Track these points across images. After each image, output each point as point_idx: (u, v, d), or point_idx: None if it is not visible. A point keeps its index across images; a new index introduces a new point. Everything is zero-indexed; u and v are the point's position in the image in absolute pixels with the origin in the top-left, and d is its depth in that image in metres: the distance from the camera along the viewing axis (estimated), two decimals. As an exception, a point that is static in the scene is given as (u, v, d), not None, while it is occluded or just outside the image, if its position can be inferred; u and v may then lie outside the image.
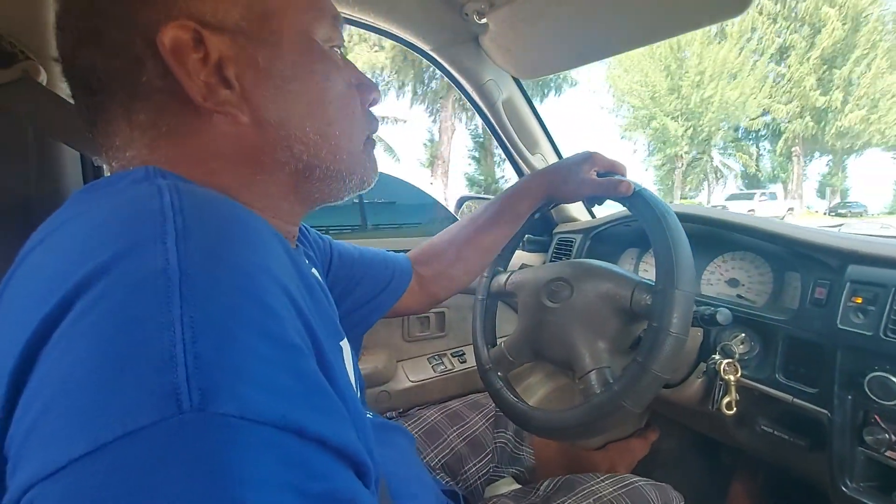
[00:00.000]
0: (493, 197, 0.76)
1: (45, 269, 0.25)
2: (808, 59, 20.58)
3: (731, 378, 0.69)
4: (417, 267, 0.72)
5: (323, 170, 0.39)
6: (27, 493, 0.19)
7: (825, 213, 22.42)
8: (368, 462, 0.26)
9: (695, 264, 0.56)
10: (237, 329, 0.22)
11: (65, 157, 0.62)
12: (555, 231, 1.23)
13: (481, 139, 20.52)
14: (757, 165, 25.22)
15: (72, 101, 0.36)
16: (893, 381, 0.58)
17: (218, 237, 0.25)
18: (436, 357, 1.20)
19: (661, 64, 21.84)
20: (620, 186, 0.63)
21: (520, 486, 0.81)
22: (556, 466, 0.92)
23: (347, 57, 0.44)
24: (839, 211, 22.06)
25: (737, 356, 0.72)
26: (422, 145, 20.06)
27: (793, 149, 23.34)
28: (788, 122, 22.34)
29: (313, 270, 0.50)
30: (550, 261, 1.19)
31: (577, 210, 1.25)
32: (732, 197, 21.33)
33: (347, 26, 0.87)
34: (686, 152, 23.60)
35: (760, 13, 21.95)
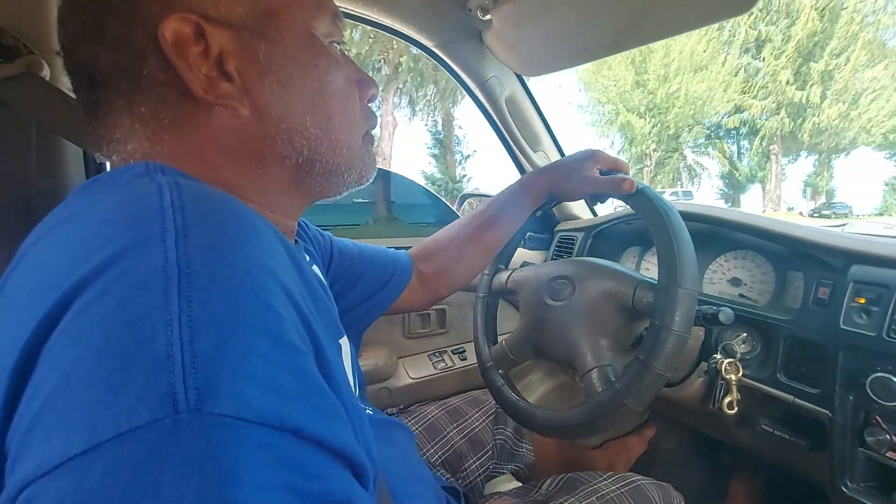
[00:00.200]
0: (494, 194, 0.76)
1: (46, 266, 0.25)
2: (784, 52, 19.44)
3: (733, 378, 0.69)
4: (418, 264, 0.72)
5: (323, 164, 0.40)
6: (25, 490, 0.19)
7: (808, 215, 21.60)
8: (366, 462, 0.26)
9: (697, 263, 0.56)
10: (236, 328, 0.22)
11: (67, 152, 0.62)
12: (556, 229, 1.23)
13: (441, 136, 20.05)
14: (733, 164, 23.89)
15: (74, 97, 0.36)
16: (895, 382, 0.58)
17: (218, 235, 0.25)
18: (436, 354, 1.20)
19: (626, 56, 20.27)
20: (623, 184, 0.62)
21: (519, 482, 0.81)
22: (555, 463, 0.92)
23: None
24: (822, 212, 21.19)
25: (738, 356, 0.72)
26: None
27: (771, 147, 22.27)
28: (765, 118, 21.25)
29: (314, 267, 0.51)
30: (552, 259, 1.19)
31: (578, 208, 1.25)
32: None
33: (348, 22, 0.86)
34: (654, 150, 22.40)
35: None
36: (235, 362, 0.21)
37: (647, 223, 0.59)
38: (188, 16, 0.32)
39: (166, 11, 0.31)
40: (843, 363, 0.64)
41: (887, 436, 0.59)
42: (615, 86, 21.50)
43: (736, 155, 23.89)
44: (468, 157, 21.06)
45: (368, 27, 0.90)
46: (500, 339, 0.77)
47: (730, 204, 23.34)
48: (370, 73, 0.45)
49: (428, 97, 18.07)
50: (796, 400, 0.69)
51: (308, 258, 0.51)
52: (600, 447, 1.14)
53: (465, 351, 1.23)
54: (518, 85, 1.08)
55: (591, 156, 0.68)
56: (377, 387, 1.08)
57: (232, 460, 0.19)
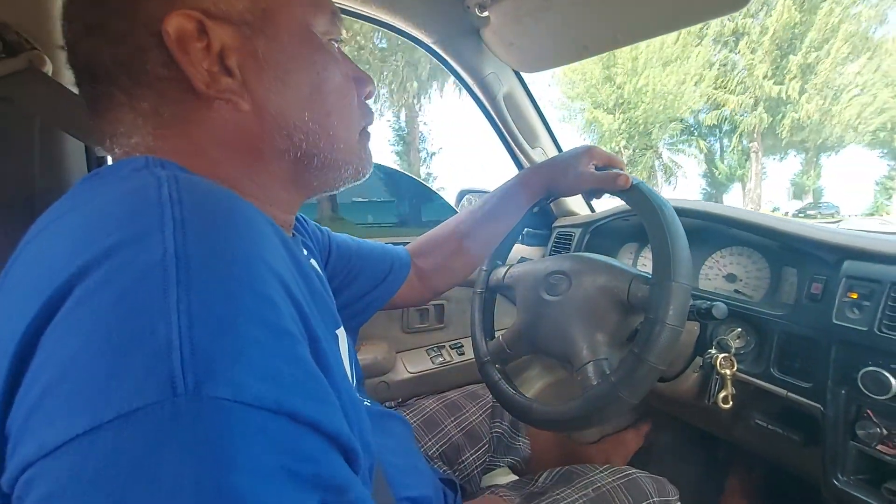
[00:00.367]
0: (492, 190, 0.77)
1: (47, 257, 0.26)
2: (761, 43, 18.32)
3: (727, 372, 0.70)
4: (416, 259, 0.73)
5: (321, 159, 0.40)
6: (26, 471, 0.19)
7: (794, 215, 20.53)
8: (358, 449, 0.27)
9: (693, 259, 0.56)
10: (233, 316, 0.23)
11: (69, 147, 0.63)
12: (554, 225, 1.23)
13: (404, 132, 19.67)
14: (712, 163, 22.84)
15: (77, 92, 0.37)
16: (886, 376, 0.58)
17: (215, 227, 0.26)
18: (434, 349, 1.21)
19: (595, 49, 19.39)
20: (618, 180, 0.63)
21: (516, 475, 0.82)
22: (551, 457, 0.93)
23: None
24: (808, 212, 20.65)
25: (733, 350, 0.73)
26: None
27: (750, 144, 21.20)
28: (744, 115, 20.02)
29: (312, 261, 0.51)
30: (549, 254, 1.20)
31: (576, 204, 1.25)
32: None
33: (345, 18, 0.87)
34: (625, 147, 21.02)
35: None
36: (233, 349, 0.22)
37: (642, 218, 0.60)
38: (190, 12, 0.32)
39: (168, 8, 0.32)
40: (835, 358, 0.64)
41: (878, 429, 0.60)
42: (583, 80, 20.53)
43: (718, 153, 23.05)
44: (433, 154, 20.67)
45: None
46: (497, 334, 0.78)
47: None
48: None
49: (393, 91, 17.75)
50: (789, 394, 0.69)
51: (306, 252, 0.52)
52: (597, 442, 1.15)
53: (463, 346, 1.23)
54: (516, 81, 1.08)
55: (587, 151, 0.68)
56: (376, 380, 1.09)
57: (230, 443, 0.20)
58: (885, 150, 20.30)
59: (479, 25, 0.94)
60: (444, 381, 1.16)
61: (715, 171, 22.77)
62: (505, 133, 1.15)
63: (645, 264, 1.05)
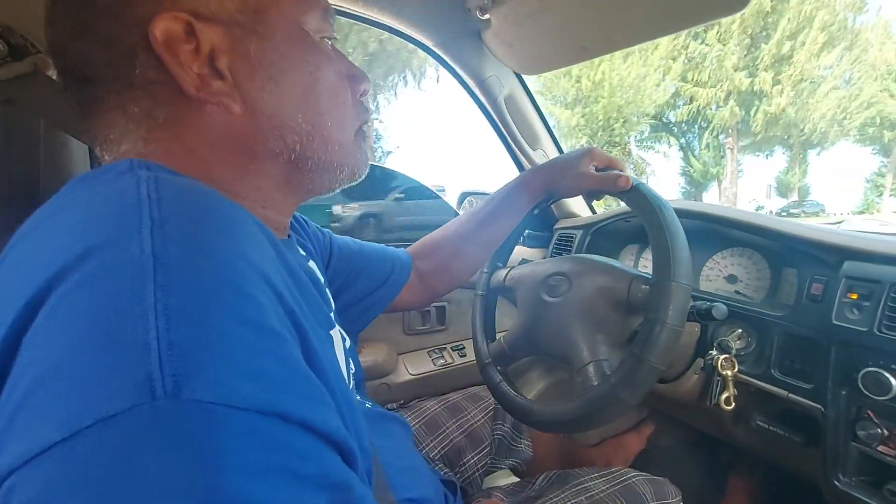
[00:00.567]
0: (493, 192, 0.77)
1: (29, 260, 0.25)
2: (731, 33, 17.42)
3: (729, 373, 0.70)
4: (417, 262, 0.73)
5: (315, 160, 0.40)
6: (7, 479, 0.19)
7: (776, 214, 19.74)
8: (355, 449, 0.26)
9: (694, 260, 0.56)
10: (213, 315, 0.22)
11: (73, 149, 0.63)
12: (555, 227, 1.23)
13: None
14: (687, 160, 21.80)
15: None
16: (886, 377, 0.58)
17: (194, 226, 0.26)
18: (436, 350, 1.21)
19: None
20: (619, 181, 0.63)
21: (517, 478, 0.82)
22: (553, 459, 0.93)
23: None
24: (791, 211, 20.37)
25: (734, 352, 0.73)
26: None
27: (725, 141, 20.20)
28: (716, 109, 18.92)
29: (310, 263, 0.51)
30: (551, 256, 1.20)
31: (577, 206, 1.25)
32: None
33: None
34: (587, 144, 20.22)
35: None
36: (214, 349, 0.21)
37: (642, 219, 0.60)
38: (178, 14, 0.32)
39: (156, 10, 0.31)
40: (835, 358, 0.64)
41: (879, 430, 0.60)
42: (540, 74, 19.49)
43: (695, 150, 21.80)
44: (389, 153, 20.24)
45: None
46: (498, 336, 0.78)
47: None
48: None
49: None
50: (790, 395, 0.69)
51: (304, 254, 0.52)
52: (599, 444, 1.15)
53: (464, 348, 1.23)
54: (517, 83, 1.08)
55: (587, 153, 0.69)
56: (377, 382, 1.09)
57: (215, 445, 0.19)
58: (877, 147, 19.81)
59: (479, 28, 0.94)
60: (446, 382, 1.16)
61: (690, 168, 22.08)
62: (506, 135, 1.16)
63: (646, 266, 1.05)
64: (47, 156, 0.60)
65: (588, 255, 0.72)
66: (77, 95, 0.35)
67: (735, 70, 17.62)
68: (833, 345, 0.65)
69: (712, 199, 21.77)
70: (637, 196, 0.62)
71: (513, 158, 1.23)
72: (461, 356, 1.22)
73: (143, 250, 0.22)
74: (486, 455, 0.81)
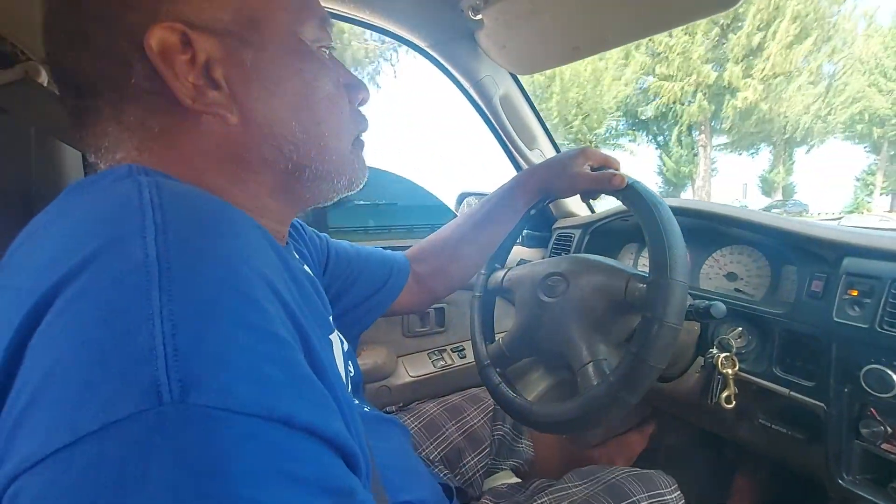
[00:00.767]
0: (490, 193, 0.77)
1: (31, 267, 0.25)
2: (699, 24, 15.39)
3: (729, 372, 0.69)
4: (415, 265, 0.73)
5: (312, 170, 0.39)
6: (12, 484, 0.19)
7: None
8: (358, 453, 0.26)
9: (693, 258, 0.56)
10: (218, 320, 0.22)
11: (66, 156, 0.63)
12: (554, 226, 1.23)
13: None
14: (662, 159, 20.78)
15: None
16: (889, 374, 0.58)
17: (197, 231, 0.26)
18: (435, 352, 1.20)
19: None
20: (614, 180, 0.63)
21: (519, 478, 0.82)
22: (554, 459, 0.92)
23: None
24: (773, 211, 18.37)
25: (734, 350, 0.72)
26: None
27: (698, 138, 19.01)
28: (687, 104, 17.68)
29: (305, 267, 0.51)
30: (549, 256, 1.19)
31: (576, 205, 1.25)
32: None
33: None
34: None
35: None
36: (218, 354, 0.21)
37: (638, 217, 0.60)
38: (174, 24, 0.31)
39: (151, 20, 0.31)
40: (836, 356, 0.64)
41: (882, 427, 0.60)
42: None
43: (666, 148, 20.54)
44: None
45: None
46: (497, 337, 0.78)
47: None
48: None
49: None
50: (792, 393, 0.69)
51: (300, 258, 0.51)
52: (601, 445, 1.14)
53: (464, 349, 1.23)
54: (512, 83, 1.08)
55: (582, 152, 0.68)
56: (377, 385, 1.09)
57: (219, 451, 0.19)
58: (868, 144, 19.26)
59: (473, 28, 0.94)
60: (446, 384, 1.16)
61: (662, 167, 21.12)
62: (502, 135, 1.15)
63: (645, 265, 1.05)
64: (39, 163, 0.60)
65: (585, 255, 0.72)
66: (72, 104, 0.34)
67: (703, 63, 16.74)
68: (834, 342, 0.64)
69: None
70: (632, 194, 0.62)
71: (510, 159, 1.22)
72: (461, 358, 1.21)
73: (147, 255, 0.23)
74: (486, 456, 0.80)
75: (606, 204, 1.14)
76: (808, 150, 20.16)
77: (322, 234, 0.65)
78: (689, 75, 16.93)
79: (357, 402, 0.55)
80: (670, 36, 16.60)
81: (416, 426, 0.81)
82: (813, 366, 0.67)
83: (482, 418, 0.84)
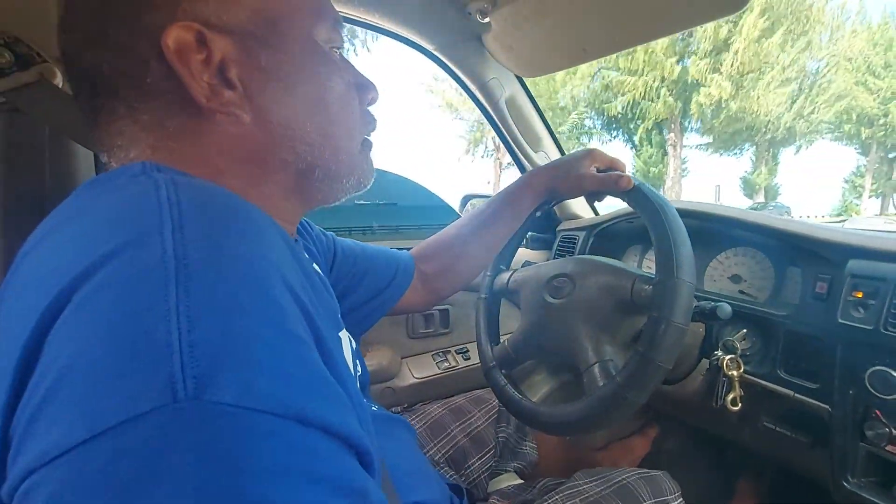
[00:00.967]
0: (495, 194, 0.77)
1: (47, 264, 0.25)
2: None
3: (734, 374, 0.69)
4: (420, 264, 0.73)
5: (323, 170, 0.40)
6: (27, 479, 0.19)
7: None
8: (372, 451, 0.26)
9: (698, 260, 0.56)
10: (234, 317, 0.22)
11: (79, 156, 0.64)
12: (558, 228, 1.23)
13: None
14: (635, 158, 20.23)
15: None
16: (894, 376, 0.58)
17: (215, 227, 0.26)
18: (440, 354, 1.21)
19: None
20: (620, 181, 0.63)
21: (522, 480, 0.82)
22: (558, 461, 0.92)
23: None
24: None
25: (739, 352, 0.72)
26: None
27: (667, 137, 18.37)
28: (652, 101, 17.09)
29: (314, 265, 0.52)
30: (554, 258, 1.20)
31: (580, 207, 1.25)
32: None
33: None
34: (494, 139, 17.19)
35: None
36: (234, 351, 0.21)
37: (644, 218, 0.60)
38: (190, 24, 0.32)
39: (169, 19, 0.32)
40: (841, 358, 0.64)
41: (887, 430, 0.59)
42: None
43: (644, 147, 19.90)
44: None
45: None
46: (502, 338, 0.78)
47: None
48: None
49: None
50: (796, 395, 0.69)
51: (308, 256, 0.52)
52: (604, 448, 1.14)
53: (468, 351, 1.23)
54: (518, 86, 1.09)
55: (589, 154, 0.69)
56: (381, 386, 1.09)
57: (235, 448, 0.19)
58: (858, 146, 18.69)
59: (480, 31, 0.95)
60: (450, 386, 1.16)
61: (633, 167, 20.32)
62: (508, 137, 1.16)
63: (650, 266, 1.05)
64: (53, 163, 0.61)
65: (590, 256, 0.72)
66: (87, 103, 0.35)
67: (667, 57, 16.24)
68: (839, 344, 0.64)
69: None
70: (639, 196, 0.62)
71: (515, 160, 1.23)
72: (465, 359, 1.22)
73: (164, 251, 0.23)
74: (490, 458, 0.81)
75: (609, 208, 1.15)
76: (797, 151, 19.67)
77: (328, 233, 0.65)
78: (654, 70, 16.46)
79: (366, 400, 0.55)
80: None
81: (420, 427, 0.81)
82: (817, 368, 0.68)
83: (486, 420, 0.84)
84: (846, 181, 22.32)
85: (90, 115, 0.35)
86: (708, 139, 19.33)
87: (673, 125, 18.28)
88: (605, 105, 18.62)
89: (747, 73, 15.56)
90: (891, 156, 19.47)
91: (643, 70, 16.73)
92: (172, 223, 0.24)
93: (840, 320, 0.64)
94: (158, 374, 0.19)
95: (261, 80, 0.35)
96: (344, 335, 0.46)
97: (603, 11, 0.80)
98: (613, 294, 0.63)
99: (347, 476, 0.23)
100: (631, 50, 15.47)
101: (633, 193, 0.63)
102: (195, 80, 0.32)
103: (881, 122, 16.94)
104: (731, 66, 15.35)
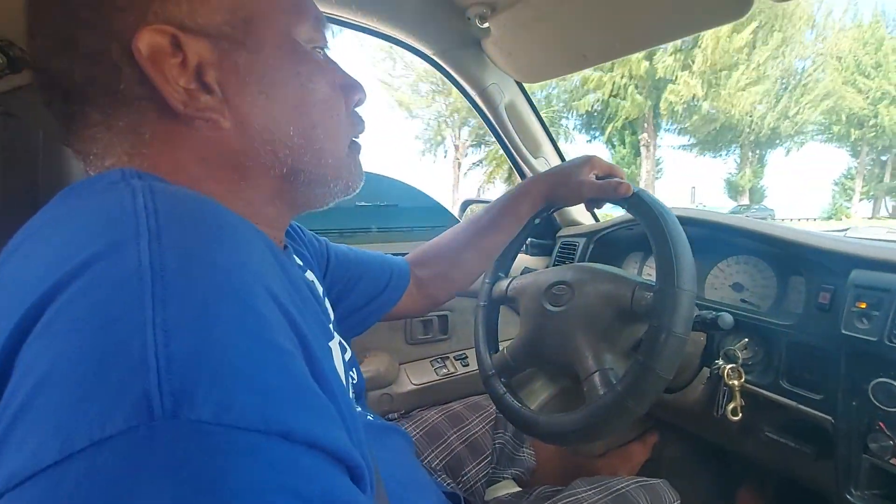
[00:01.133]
0: (494, 200, 0.77)
1: (23, 273, 0.25)
2: None
3: (735, 383, 0.69)
4: (416, 269, 0.73)
5: (307, 174, 0.39)
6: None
7: None
8: (363, 464, 0.25)
9: (699, 268, 0.55)
10: (213, 329, 0.21)
11: (72, 160, 0.63)
12: (558, 234, 1.23)
13: None
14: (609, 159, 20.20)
15: None
16: None
17: (193, 236, 0.25)
18: (438, 360, 1.20)
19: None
20: (620, 188, 0.63)
21: (520, 487, 0.81)
22: (556, 468, 0.91)
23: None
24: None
25: (740, 361, 0.72)
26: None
27: (640, 137, 17.75)
28: (621, 99, 16.52)
29: (307, 273, 0.51)
30: (553, 265, 1.19)
31: (580, 214, 1.25)
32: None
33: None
34: (462, 144, 17.09)
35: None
36: (213, 365, 0.20)
37: (644, 226, 0.59)
38: (164, 27, 0.30)
39: (140, 23, 0.30)
40: (844, 369, 0.63)
41: (890, 442, 0.59)
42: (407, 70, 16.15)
43: (617, 147, 19.20)
44: None
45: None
46: (501, 346, 0.77)
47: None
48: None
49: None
50: (799, 406, 0.68)
51: (301, 263, 0.51)
52: (603, 455, 1.13)
53: (467, 357, 1.23)
54: (517, 91, 1.08)
55: (588, 161, 0.68)
56: (379, 392, 1.09)
57: (215, 468, 0.18)
58: (849, 147, 18.34)
59: (479, 36, 0.94)
60: (448, 392, 1.15)
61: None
62: (507, 143, 1.16)
63: (650, 273, 1.04)
64: (46, 167, 0.60)
65: (590, 264, 0.72)
66: (60, 110, 0.33)
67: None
68: (842, 355, 0.63)
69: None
70: (638, 203, 0.61)
71: (514, 166, 1.22)
72: (464, 366, 1.21)
73: (140, 262, 0.22)
74: (487, 465, 0.80)
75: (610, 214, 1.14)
76: (787, 153, 19.31)
77: (321, 238, 0.65)
78: (622, 66, 15.85)
79: (360, 409, 0.55)
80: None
81: (417, 434, 0.80)
82: (820, 378, 0.67)
83: (483, 426, 0.83)
84: (836, 184, 21.91)
85: (64, 123, 0.34)
86: (691, 140, 18.95)
87: (646, 124, 17.82)
88: (575, 103, 18.14)
89: (720, 71, 15.20)
90: (882, 158, 19.20)
91: (612, 66, 16.21)
92: (149, 232, 0.23)
93: (843, 331, 0.63)
94: (133, 390, 0.18)
95: (239, 83, 0.34)
96: (335, 344, 0.45)
97: (603, 17, 0.80)
98: (613, 302, 0.62)
99: (336, 493, 0.22)
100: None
101: (632, 200, 0.62)
102: (170, 86, 0.31)
103: (871, 122, 16.69)
104: (702, 63, 15.02)
